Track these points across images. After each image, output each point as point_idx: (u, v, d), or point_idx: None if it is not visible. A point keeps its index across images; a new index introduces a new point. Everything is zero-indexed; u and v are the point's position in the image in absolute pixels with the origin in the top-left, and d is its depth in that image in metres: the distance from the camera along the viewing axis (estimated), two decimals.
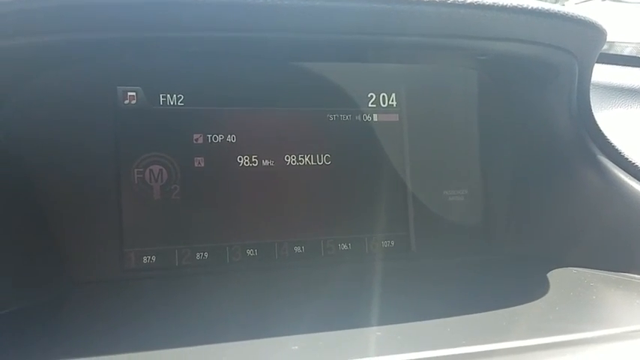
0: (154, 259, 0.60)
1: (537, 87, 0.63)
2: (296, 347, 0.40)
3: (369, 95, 0.68)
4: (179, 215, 0.61)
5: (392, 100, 0.68)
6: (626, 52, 0.97)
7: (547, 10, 0.50)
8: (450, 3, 0.48)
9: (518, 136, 0.68)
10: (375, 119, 0.68)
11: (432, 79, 0.69)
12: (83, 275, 0.57)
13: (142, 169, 0.60)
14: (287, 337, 0.42)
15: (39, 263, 0.55)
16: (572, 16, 0.52)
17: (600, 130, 0.61)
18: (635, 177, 0.58)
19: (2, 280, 0.51)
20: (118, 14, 0.46)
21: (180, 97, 0.62)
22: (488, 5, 0.49)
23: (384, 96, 0.68)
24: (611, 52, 0.92)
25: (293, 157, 0.65)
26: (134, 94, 0.60)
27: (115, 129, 0.60)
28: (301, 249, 0.64)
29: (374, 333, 0.43)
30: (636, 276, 0.56)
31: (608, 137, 0.60)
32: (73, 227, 0.58)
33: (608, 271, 0.58)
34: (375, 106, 0.68)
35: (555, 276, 0.58)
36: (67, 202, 0.58)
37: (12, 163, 0.56)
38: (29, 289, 0.53)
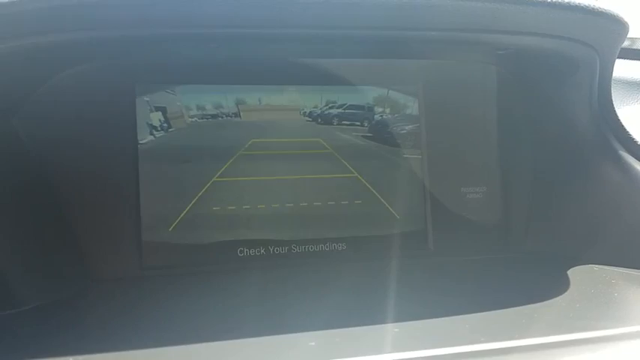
0: (173, 257, 0.60)
1: (557, 82, 0.62)
2: (313, 343, 0.40)
3: (386, 91, 0.67)
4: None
5: (410, 96, 0.68)
6: None
7: (566, 2, 0.50)
8: None
9: (538, 132, 0.67)
10: (393, 115, 0.67)
11: (450, 75, 0.69)
12: (102, 272, 0.58)
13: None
14: (304, 333, 0.42)
15: (59, 261, 0.56)
16: (592, 8, 0.51)
17: (622, 126, 0.60)
18: None
19: (24, 277, 0.52)
20: (135, 12, 0.46)
21: None
22: None
23: (401, 92, 0.68)
24: (633, 48, 0.91)
25: (310, 153, 0.65)
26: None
27: (133, 126, 0.60)
28: (317, 246, 0.64)
29: (391, 329, 0.43)
30: None
31: (631, 133, 0.59)
32: (92, 225, 0.59)
33: (630, 268, 0.57)
34: (392, 102, 0.67)
35: (576, 273, 0.57)
36: (87, 200, 0.59)
37: (32, 160, 0.57)
38: (50, 286, 0.53)
